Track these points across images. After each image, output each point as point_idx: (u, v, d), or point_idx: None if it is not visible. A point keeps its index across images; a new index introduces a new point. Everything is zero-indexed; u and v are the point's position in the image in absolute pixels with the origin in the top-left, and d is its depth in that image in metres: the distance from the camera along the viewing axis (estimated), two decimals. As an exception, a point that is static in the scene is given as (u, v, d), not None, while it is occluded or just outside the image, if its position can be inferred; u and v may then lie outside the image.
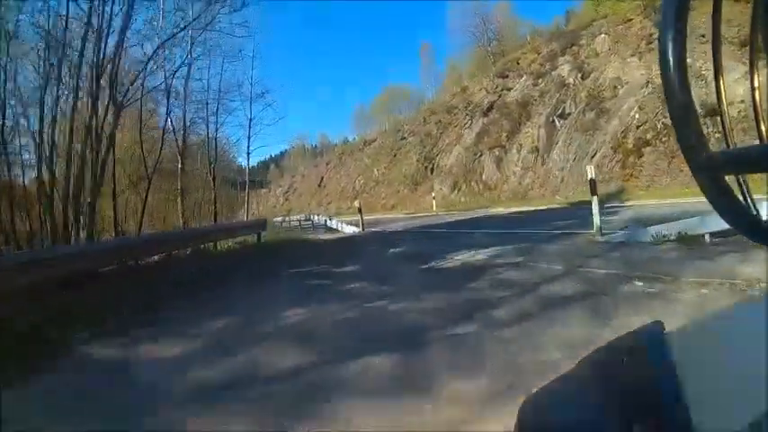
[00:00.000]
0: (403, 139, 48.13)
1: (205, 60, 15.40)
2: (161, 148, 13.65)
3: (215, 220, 15.39)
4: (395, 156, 47.51)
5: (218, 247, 13.14)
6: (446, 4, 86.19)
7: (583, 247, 7.23)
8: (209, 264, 9.74)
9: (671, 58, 0.31)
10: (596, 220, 7.83)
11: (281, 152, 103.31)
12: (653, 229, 7.05)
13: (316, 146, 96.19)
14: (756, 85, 0.36)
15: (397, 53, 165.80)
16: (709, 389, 0.30)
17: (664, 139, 20.44)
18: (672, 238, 6.74)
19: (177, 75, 14.23)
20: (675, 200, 14.20)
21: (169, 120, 14.82)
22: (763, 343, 0.29)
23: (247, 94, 19.02)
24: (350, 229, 17.18)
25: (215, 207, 15.53)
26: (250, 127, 19.82)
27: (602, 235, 7.75)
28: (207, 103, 15.49)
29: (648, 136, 21.00)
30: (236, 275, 8.42)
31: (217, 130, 16.26)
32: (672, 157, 19.59)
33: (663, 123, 20.71)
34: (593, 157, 22.75)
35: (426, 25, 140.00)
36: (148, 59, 10.93)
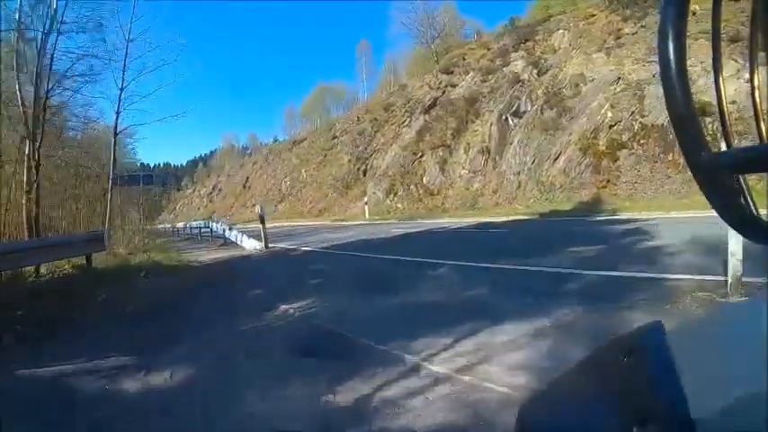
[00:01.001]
0: (334, 138, 43.47)
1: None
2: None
3: (34, 231, 9.86)
4: (325, 156, 42.87)
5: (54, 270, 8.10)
6: (387, 2, 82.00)
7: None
8: None
9: (671, 58, 0.31)
10: (735, 260, 3.53)
11: (211, 151, 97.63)
12: None
13: (245, 146, 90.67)
14: (756, 84, 0.35)
15: (333, 51, 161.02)
16: (710, 389, 0.30)
17: (642, 142, 17.18)
18: None
19: None
20: (684, 213, 10.73)
21: None
22: (763, 343, 0.29)
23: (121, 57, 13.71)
24: (251, 245, 12.35)
25: (36, 211, 10.03)
26: (120, 99, 14.37)
27: (742, 288, 3.49)
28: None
29: (624, 138, 17.65)
30: None
31: (49, 91, 10.71)
32: (654, 161, 16.33)
33: (641, 123, 17.49)
34: (555, 159, 19.20)
35: (364, 22, 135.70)
36: None
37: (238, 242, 13.43)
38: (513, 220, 13.69)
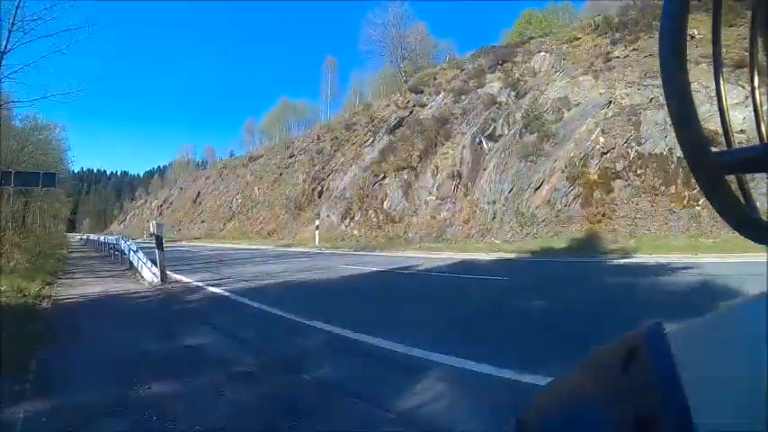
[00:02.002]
0: (292, 156, 40.31)
1: None
2: None
3: None
4: (280, 175, 39.67)
5: None
6: (356, 18, 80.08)
7: None
8: None
9: (671, 60, 0.31)
10: None
11: (170, 163, 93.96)
12: None
13: (204, 160, 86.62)
14: (756, 84, 0.36)
15: (299, 70, 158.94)
16: (710, 389, 0.29)
17: (639, 172, 14.75)
18: None
19: None
20: (719, 257, 8.12)
21: None
22: (764, 343, 0.28)
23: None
24: (150, 276, 9.05)
25: None
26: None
27: None
28: None
29: (618, 166, 15.20)
30: None
31: None
32: (654, 194, 13.86)
33: (637, 151, 15.12)
34: (538, 188, 16.52)
35: (332, 43, 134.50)
36: None
37: (140, 269, 9.98)
38: (499, 260, 10.76)
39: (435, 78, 30.10)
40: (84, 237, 48.92)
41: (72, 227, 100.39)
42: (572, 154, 16.33)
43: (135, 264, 10.89)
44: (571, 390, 0.39)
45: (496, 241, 15.03)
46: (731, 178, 0.31)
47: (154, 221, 9.83)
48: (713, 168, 0.30)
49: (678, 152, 14.64)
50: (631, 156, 15.25)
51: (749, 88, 0.35)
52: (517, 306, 5.45)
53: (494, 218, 17.06)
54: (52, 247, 21.35)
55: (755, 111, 0.33)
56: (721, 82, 0.33)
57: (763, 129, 0.32)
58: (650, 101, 16.27)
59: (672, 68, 0.31)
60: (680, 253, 9.43)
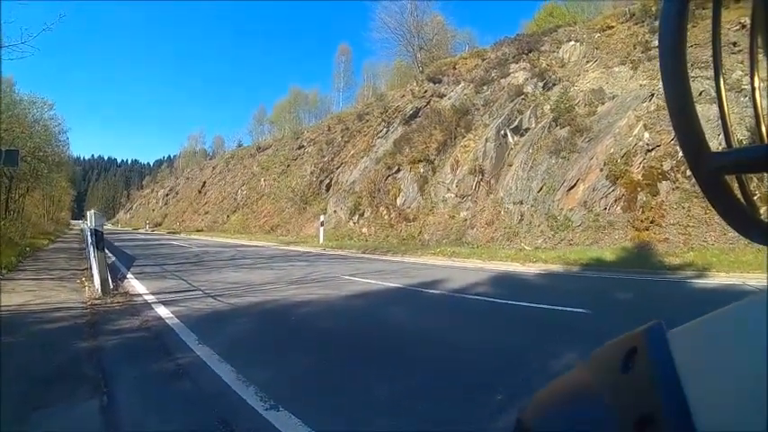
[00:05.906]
0: (301, 148, 38.71)
1: None
2: None
3: None
4: (288, 166, 38.13)
5: None
6: (371, 5, 77.03)
7: None
8: None
9: (670, 60, 0.32)
10: None
11: (179, 153, 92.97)
12: None
13: (212, 150, 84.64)
14: (756, 85, 0.36)
15: (311, 60, 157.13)
16: (710, 389, 0.29)
17: (689, 173, 12.84)
18: None
19: None
20: None
21: None
22: (764, 343, 0.29)
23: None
24: (99, 283, 7.01)
25: None
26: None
27: None
28: None
29: (665, 166, 13.40)
30: None
31: None
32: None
33: (688, 151, 13.19)
34: (571, 188, 14.74)
35: (345, 32, 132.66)
36: None
37: (93, 270, 8.05)
38: (544, 274, 9.11)
39: (455, 68, 28.24)
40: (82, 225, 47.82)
41: (80, 214, 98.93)
42: (611, 150, 14.55)
43: (92, 262, 8.55)
44: (571, 390, 0.39)
45: (526, 247, 13.30)
46: (731, 178, 0.31)
47: (92, 211, 7.80)
48: (713, 169, 0.30)
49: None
50: (680, 155, 13.47)
51: (749, 88, 0.35)
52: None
53: (521, 220, 15.34)
54: (35, 236, 19.92)
55: (755, 111, 0.32)
56: (721, 82, 0.33)
57: (763, 129, 0.31)
58: (700, 94, 14.46)
59: (672, 69, 0.31)
60: (761, 272, 7.70)
